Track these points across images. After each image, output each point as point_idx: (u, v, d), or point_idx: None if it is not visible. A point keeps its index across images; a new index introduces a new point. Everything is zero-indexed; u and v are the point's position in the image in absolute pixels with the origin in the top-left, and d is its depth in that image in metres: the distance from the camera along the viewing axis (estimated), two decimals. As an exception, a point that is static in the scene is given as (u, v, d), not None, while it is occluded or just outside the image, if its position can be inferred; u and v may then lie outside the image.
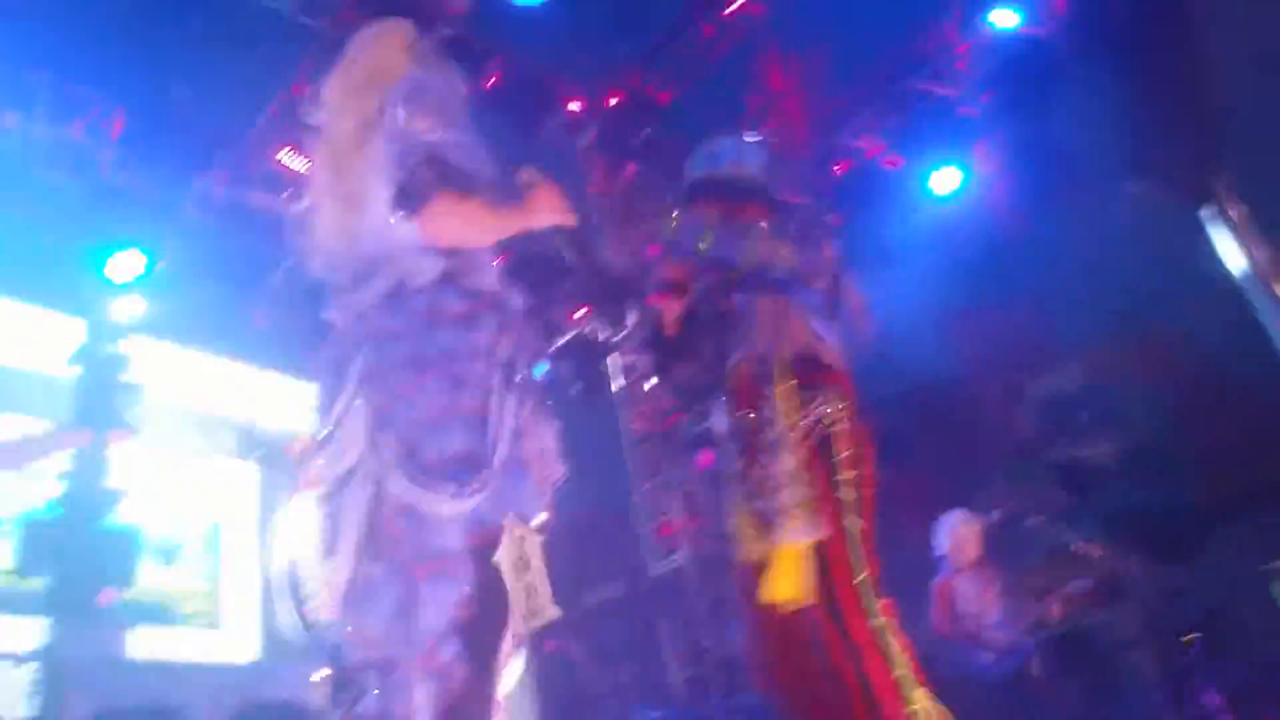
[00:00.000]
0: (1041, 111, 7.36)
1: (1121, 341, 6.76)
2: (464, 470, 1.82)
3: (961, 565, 5.84)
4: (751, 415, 3.01)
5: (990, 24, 7.45)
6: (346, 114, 2.10)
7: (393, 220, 1.97)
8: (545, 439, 2.02)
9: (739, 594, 2.91)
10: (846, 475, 2.88)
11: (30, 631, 5.29)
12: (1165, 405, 6.34)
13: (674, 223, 3.10)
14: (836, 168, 8.84)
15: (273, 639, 6.58)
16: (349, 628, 1.84)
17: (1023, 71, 7.34)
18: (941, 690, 2.90)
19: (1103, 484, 6.01)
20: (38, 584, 5.44)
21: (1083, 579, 5.41)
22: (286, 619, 6.58)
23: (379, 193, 1.99)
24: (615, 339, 8.50)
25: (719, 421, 3.24)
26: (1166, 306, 6.49)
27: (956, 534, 5.80)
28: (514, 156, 2.33)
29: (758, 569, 2.86)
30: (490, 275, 2.07)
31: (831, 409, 2.95)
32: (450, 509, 1.81)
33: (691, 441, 8.21)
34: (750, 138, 3.50)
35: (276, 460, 7.54)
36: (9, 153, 6.70)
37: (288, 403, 8.10)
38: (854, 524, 2.84)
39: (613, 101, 9.67)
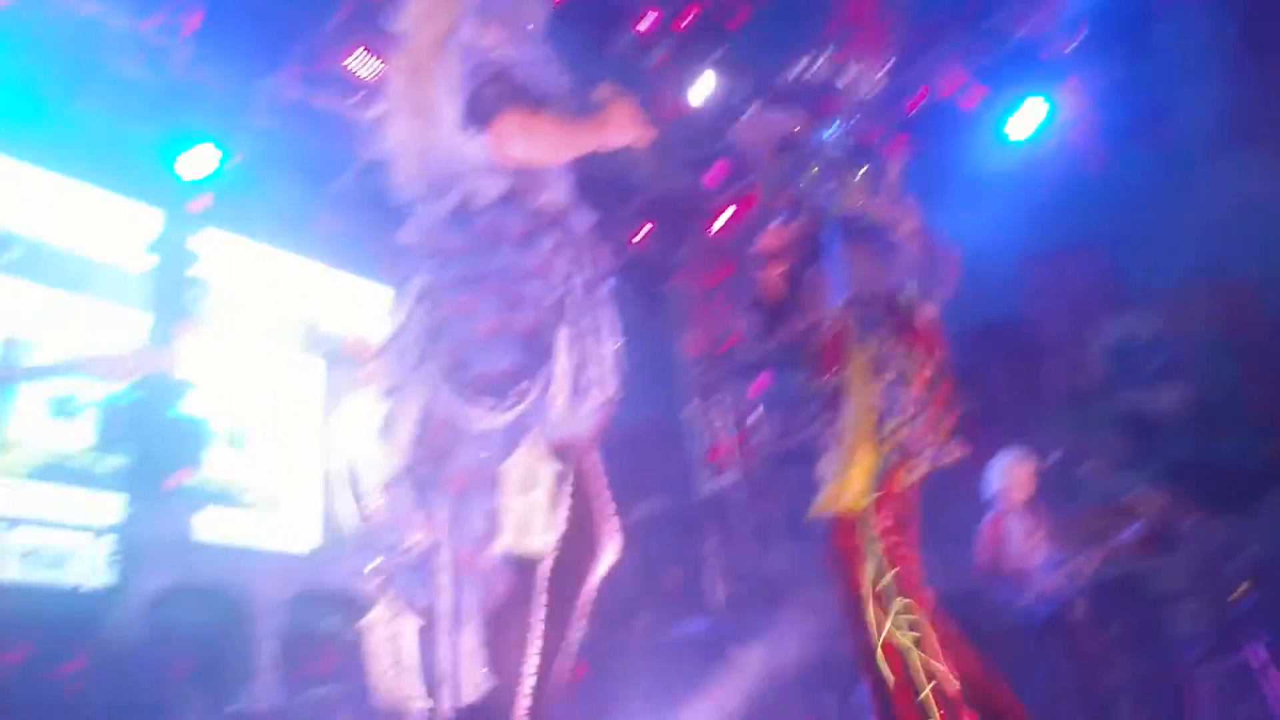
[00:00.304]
0: (1134, 53, 7.09)
1: (1196, 291, 6.61)
2: (507, 386, 1.84)
3: (1013, 505, 5.83)
4: (832, 375, 3.11)
5: (1089, -41, 7.13)
6: (427, 24, 2.08)
7: (462, 136, 1.97)
8: (601, 358, 2.00)
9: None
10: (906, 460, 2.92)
11: (108, 506, 5.57)
12: (1233, 359, 6.21)
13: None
14: (912, 101, 8.60)
15: (330, 529, 6.82)
16: (400, 510, 1.86)
17: (1118, 9, 7.04)
18: (980, 631, 2.95)
19: (1164, 433, 5.95)
20: (116, 462, 5.69)
21: (1133, 528, 5.39)
22: (343, 511, 6.83)
23: (450, 107, 1.98)
24: (677, 259, 8.51)
25: (797, 383, 3.35)
26: (1244, 259, 6.32)
27: (1011, 473, 5.78)
28: (582, 72, 2.31)
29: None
30: (555, 193, 2.05)
31: (909, 384, 2.99)
32: (488, 423, 1.84)
33: (747, 366, 8.23)
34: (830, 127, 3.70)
35: (340, 357, 7.70)
36: (87, 43, 6.76)
37: (352, 302, 8.26)
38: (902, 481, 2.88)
39: (687, 19, 9.47)
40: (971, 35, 8.09)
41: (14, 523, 5.14)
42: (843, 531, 2.94)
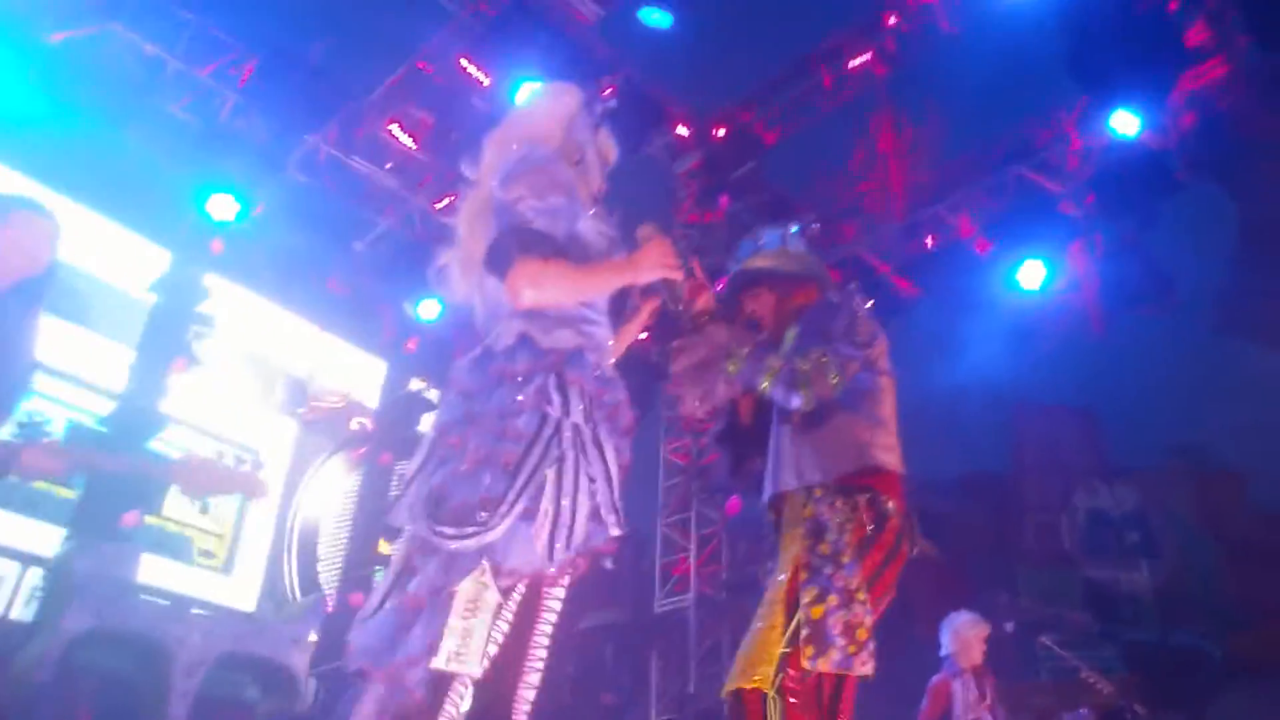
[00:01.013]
0: (1144, 222, 7.13)
1: (1178, 472, 6.48)
2: (476, 515, 1.88)
3: (964, 667, 5.65)
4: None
5: (1110, 128, 7.21)
6: (487, 178, 2.21)
7: (495, 285, 2.10)
8: (579, 500, 1.99)
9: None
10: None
11: (50, 538, 5.55)
12: (1209, 548, 6.05)
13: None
14: (927, 240, 8.66)
15: (270, 594, 6.74)
16: (356, 643, 1.91)
17: (1133, 179, 7.10)
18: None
19: (1129, 613, 5.76)
20: (68, 494, 5.68)
21: (1082, 710, 5.20)
22: (291, 574, 6.71)
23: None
24: (667, 364, 8.44)
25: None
26: (1230, 447, 6.22)
27: (962, 636, 5.61)
28: (613, 171, 2.39)
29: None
30: (562, 337, 2.08)
31: (840, 565, 2.84)
32: (454, 546, 1.88)
33: (723, 485, 8.14)
34: (790, 228, 3.47)
35: (313, 422, 7.74)
36: (141, 81, 7.02)
37: (341, 367, 8.33)
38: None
39: (720, 132, 9.71)
40: (990, 184, 8.19)
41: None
42: (750, 704, 2.73)
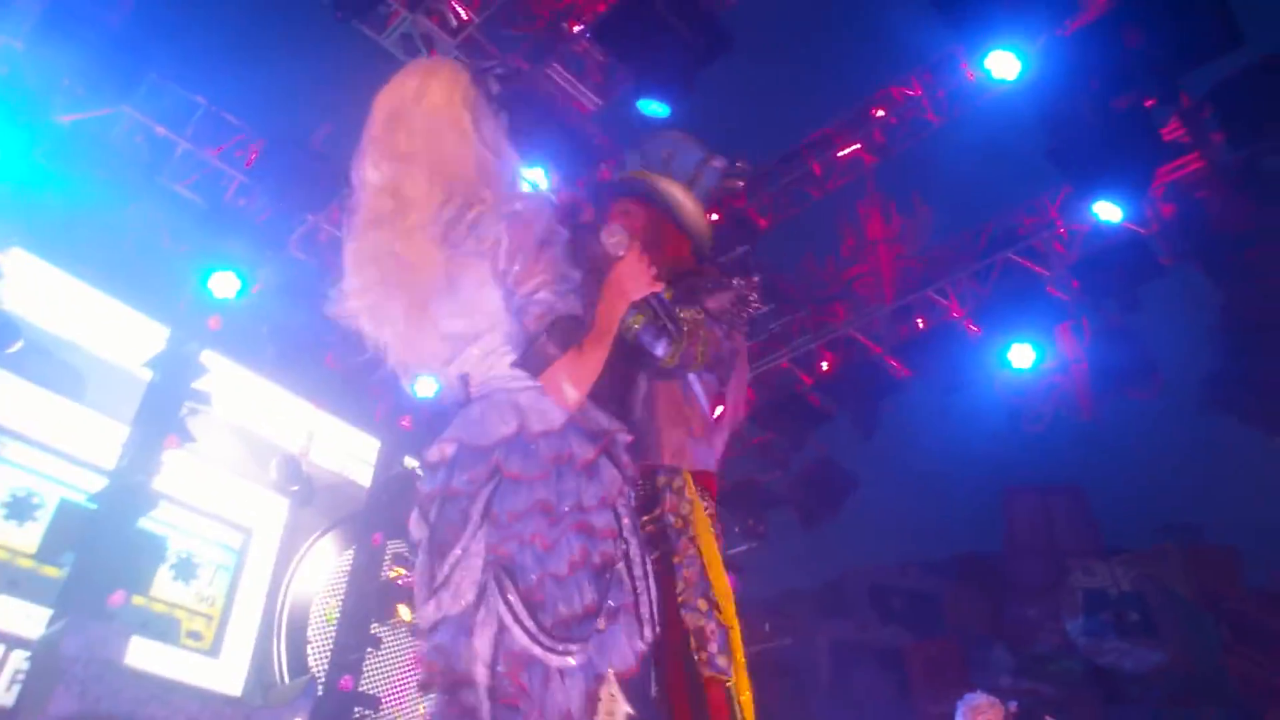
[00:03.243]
0: (1128, 305, 7.29)
1: (1175, 550, 6.48)
2: (584, 625, 1.79)
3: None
4: (661, 519, 2.48)
5: (1093, 214, 7.41)
6: (408, 208, 1.95)
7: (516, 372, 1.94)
8: (651, 591, 1.94)
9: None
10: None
11: (36, 619, 5.42)
12: (1210, 627, 6.02)
13: None
14: (918, 321, 8.80)
15: (257, 678, 6.58)
16: None
17: (1116, 264, 7.29)
18: None
19: (1136, 693, 5.70)
20: (55, 573, 5.58)
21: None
22: (280, 656, 6.52)
23: (493, 332, 1.95)
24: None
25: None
26: (1224, 524, 6.23)
27: (981, 715, 5.53)
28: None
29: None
30: (601, 415, 2.00)
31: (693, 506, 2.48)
32: (569, 663, 1.79)
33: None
34: (714, 161, 2.91)
35: (309, 498, 7.67)
36: (149, 161, 7.15)
37: (334, 445, 8.29)
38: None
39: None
40: (978, 268, 8.37)
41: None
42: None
